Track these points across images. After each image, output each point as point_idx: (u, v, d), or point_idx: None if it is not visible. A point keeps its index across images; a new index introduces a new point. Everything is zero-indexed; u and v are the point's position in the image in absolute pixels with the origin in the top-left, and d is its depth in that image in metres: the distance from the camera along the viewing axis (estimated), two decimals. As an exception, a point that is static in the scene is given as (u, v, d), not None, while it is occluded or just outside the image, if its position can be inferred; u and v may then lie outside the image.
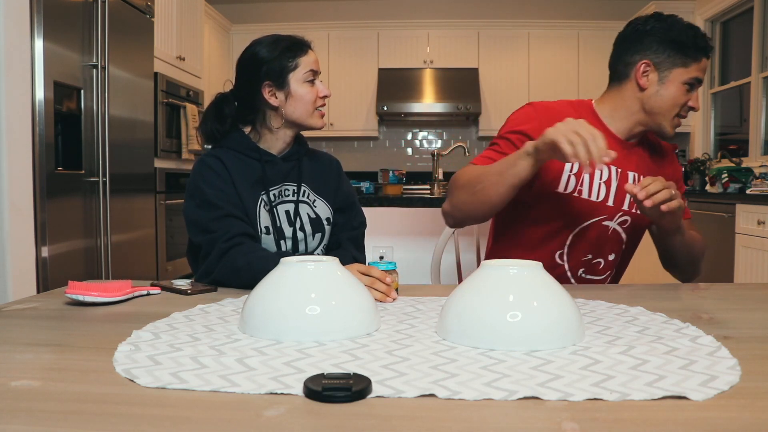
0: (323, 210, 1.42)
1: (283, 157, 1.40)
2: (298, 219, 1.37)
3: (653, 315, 0.95)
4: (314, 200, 1.42)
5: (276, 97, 1.35)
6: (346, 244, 1.44)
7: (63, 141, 2.59)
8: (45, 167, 2.43)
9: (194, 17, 4.31)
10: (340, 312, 0.83)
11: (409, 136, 5.95)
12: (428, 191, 3.86)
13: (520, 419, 0.55)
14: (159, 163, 3.57)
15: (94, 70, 2.74)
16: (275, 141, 1.39)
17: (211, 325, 0.90)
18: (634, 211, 1.41)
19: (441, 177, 3.49)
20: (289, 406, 0.58)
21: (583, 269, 1.43)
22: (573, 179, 1.37)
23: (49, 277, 2.43)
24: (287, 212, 1.37)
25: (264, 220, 1.33)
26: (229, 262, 1.22)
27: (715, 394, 0.60)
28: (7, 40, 2.22)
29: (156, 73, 3.50)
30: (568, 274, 1.43)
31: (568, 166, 1.37)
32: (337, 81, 5.51)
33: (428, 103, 5.37)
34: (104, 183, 2.78)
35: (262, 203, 1.34)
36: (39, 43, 2.38)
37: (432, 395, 0.60)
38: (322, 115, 1.39)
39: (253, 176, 1.35)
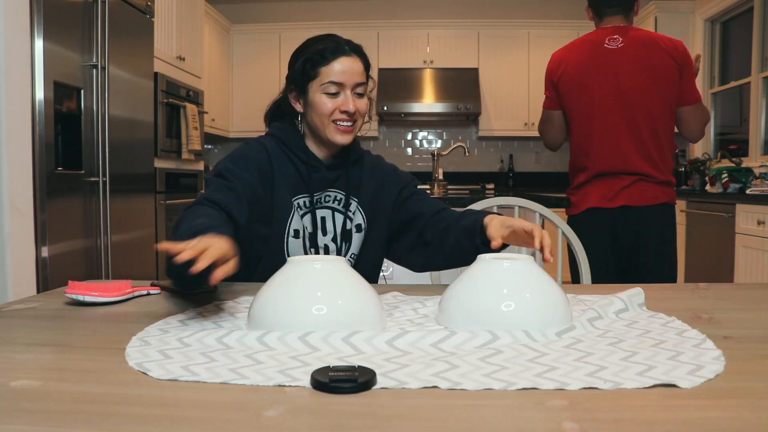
0: (359, 217, 1.36)
1: (328, 165, 1.33)
2: (333, 228, 1.33)
3: (641, 311, 0.98)
4: (354, 210, 1.35)
5: (300, 103, 1.33)
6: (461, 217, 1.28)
7: (63, 141, 2.58)
8: (45, 167, 2.42)
9: (194, 17, 4.30)
10: (346, 311, 0.83)
11: (409, 136, 5.95)
12: (428, 191, 3.87)
13: (521, 419, 0.55)
14: (159, 163, 3.56)
15: (94, 70, 2.74)
16: (317, 145, 1.35)
17: (221, 322, 0.92)
18: None
19: (441, 177, 3.49)
20: (289, 405, 0.58)
21: None
22: None
23: (49, 277, 2.42)
24: (323, 218, 1.32)
25: (295, 223, 1.29)
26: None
27: (701, 382, 0.62)
28: (7, 40, 2.22)
29: (156, 73, 3.50)
30: None
31: None
32: (337, 81, 5.50)
33: (428, 103, 5.37)
34: (104, 183, 2.78)
35: (297, 207, 1.30)
36: (39, 43, 2.38)
37: (435, 387, 0.62)
38: (343, 131, 1.28)
39: (294, 176, 1.31)
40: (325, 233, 1.32)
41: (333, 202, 1.34)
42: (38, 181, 2.40)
